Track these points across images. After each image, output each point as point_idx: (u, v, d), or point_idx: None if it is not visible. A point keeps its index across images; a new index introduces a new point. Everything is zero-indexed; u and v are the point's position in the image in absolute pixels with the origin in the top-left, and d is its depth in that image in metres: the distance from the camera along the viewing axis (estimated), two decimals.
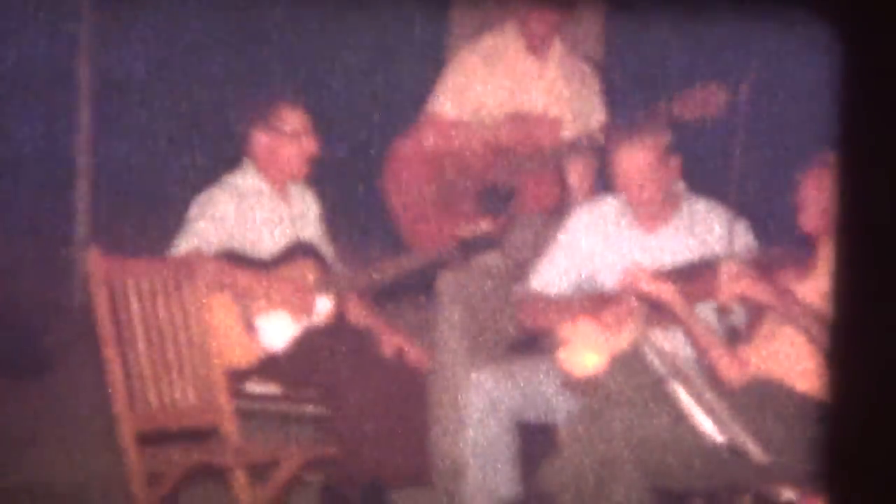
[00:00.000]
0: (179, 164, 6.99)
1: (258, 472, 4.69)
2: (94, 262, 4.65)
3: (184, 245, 4.88)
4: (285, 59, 7.99)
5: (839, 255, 2.37)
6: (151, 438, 4.61)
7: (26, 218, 7.46)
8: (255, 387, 4.97)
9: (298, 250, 5.02)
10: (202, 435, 4.78)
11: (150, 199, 7.30)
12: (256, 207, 5.01)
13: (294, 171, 5.07)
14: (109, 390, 4.57)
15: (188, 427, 4.75)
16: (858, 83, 2.34)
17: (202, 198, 5.02)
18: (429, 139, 5.39)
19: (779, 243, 4.57)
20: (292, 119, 5.03)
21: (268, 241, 5.00)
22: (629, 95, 5.87)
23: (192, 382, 4.72)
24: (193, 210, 4.99)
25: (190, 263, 4.81)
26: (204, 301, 4.76)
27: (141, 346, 4.64)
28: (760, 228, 4.70)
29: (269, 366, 4.93)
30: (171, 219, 5.13)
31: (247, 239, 4.97)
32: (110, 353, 4.57)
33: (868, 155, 2.35)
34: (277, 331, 4.93)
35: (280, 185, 5.07)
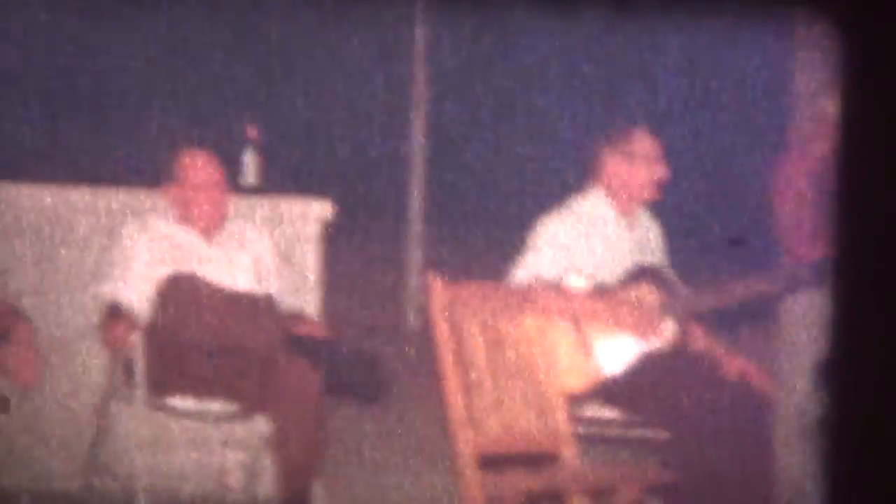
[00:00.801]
0: (514, 186, 7.00)
1: (597, 497, 4.63)
2: (435, 290, 4.67)
3: (525, 270, 4.88)
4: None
5: (838, 257, 2.37)
6: (488, 463, 4.61)
7: (360, 241, 7.61)
8: (593, 411, 4.92)
9: (642, 274, 4.95)
10: (540, 460, 4.76)
11: (483, 222, 7.35)
12: (601, 233, 4.98)
13: (643, 196, 5.02)
14: (448, 414, 4.58)
15: (526, 452, 4.73)
16: (858, 83, 2.32)
17: (545, 222, 5.00)
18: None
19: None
20: (643, 143, 4.98)
21: (611, 265, 4.95)
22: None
23: (531, 407, 4.70)
24: (536, 234, 4.97)
25: (531, 289, 4.79)
26: (543, 326, 4.73)
27: (480, 371, 4.63)
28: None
29: (608, 390, 4.87)
30: (506, 241, 5.13)
31: (589, 263, 4.92)
32: (450, 378, 4.58)
33: (868, 154, 2.32)
34: (616, 355, 4.87)
35: (628, 210, 5.03)
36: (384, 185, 7.94)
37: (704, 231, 5.91)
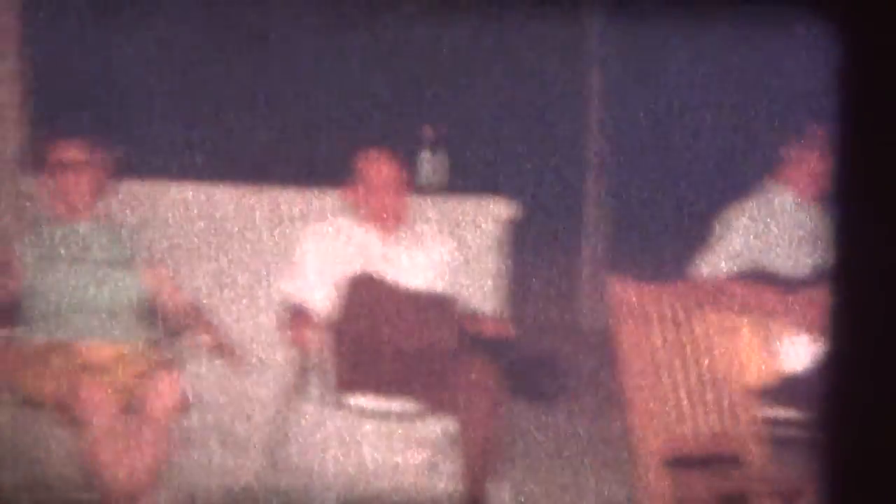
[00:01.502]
0: (693, 184, 6.94)
1: (783, 500, 4.56)
2: (617, 290, 4.64)
3: (707, 265, 4.83)
4: None
5: (838, 256, 2.36)
6: (673, 464, 4.56)
7: (537, 241, 7.60)
8: (779, 412, 4.85)
9: (822, 272, 4.88)
10: (723, 461, 4.70)
11: (661, 222, 7.29)
12: (785, 226, 4.91)
13: (821, 188, 4.96)
14: (631, 415, 4.54)
15: (711, 453, 4.67)
16: (858, 82, 2.31)
17: (728, 216, 4.95)
18: None
19: None
20: (820, 137, 4.92)
21: (795, 260, 4.88)
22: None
23: (716, 408, 4.64)
24: (721, 228, 4.92)
25: (714, 286, 4.74)
26: (728, 324, 4.68)
27: (664, 371, 4.59)
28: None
29: (794, 390, 4.79)
30: (684, 240, 5.09)
31: (774, 258, 4.87)
32: (633, 379, 4.55)
33: (868, 152, 2.31)
34: (800, 353, 4.80)
35: (811, 203, 4.96)
36: (562, 185, 7.94)
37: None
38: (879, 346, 2.35)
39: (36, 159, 5.13)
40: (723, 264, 4.82)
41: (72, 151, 5.03)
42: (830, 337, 2.44)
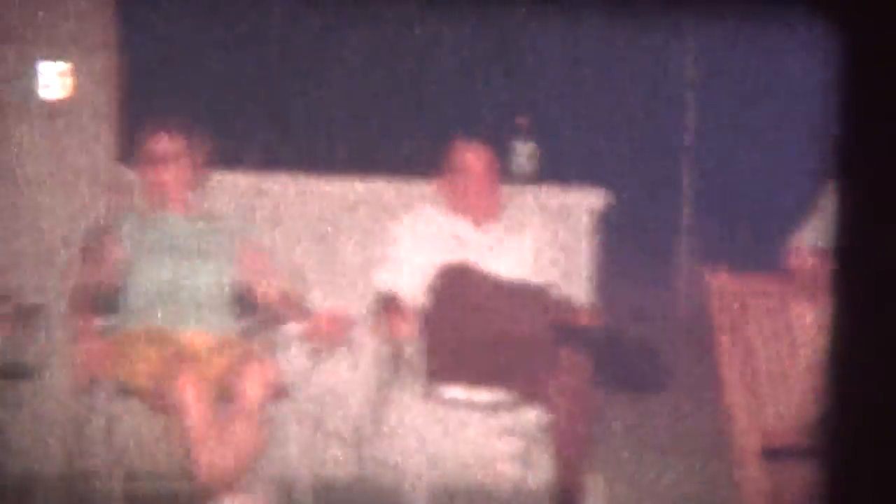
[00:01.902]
0: (787, 169, 6.86)
1: None
2: (715, 281, 4.60)
3: (804, 239, 4.76)
4: None
5: (839, 257, 2.36)
6: (771, 454, 4.52)
7: (632, 231, 7.56)
8: None
9: None
10: (816, 453, 4.63)
11: (755, 212, 7.22)
12: None
13: None
14: (728, 406, 4.50)
15: (805, 444, 4.61)
16: (858, 82, 2.30)
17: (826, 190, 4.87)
18: None
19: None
20: None
21: None
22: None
23: (813, 398, 4.58)
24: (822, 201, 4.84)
25: (810, 274, 4.68)
26: (825, 314, 4.60)
27: (762, 361, 4.54)
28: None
29: None
30: (778, 232, 5.03)
31: None
32: (731, 370, 4.51)
33: (868, 154, 2.31)
34: None
35: None
36: (656, 174, 7.89)
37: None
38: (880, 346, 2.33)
39: (132, 151, 5.18)
40: (818, 239, 4.74)
41: (167, 143, 5.06)
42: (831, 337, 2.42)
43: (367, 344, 5.21)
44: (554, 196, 5.68)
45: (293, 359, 5.04)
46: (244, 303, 5.09)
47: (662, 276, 7.49)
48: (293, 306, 5.03)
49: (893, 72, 2.27)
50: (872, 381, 2.33)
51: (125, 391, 4.79)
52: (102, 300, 4.93)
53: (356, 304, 5.31)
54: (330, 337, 4.91)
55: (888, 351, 2.31)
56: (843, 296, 2.38)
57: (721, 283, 4.61)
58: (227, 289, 5.04)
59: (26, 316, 5.00)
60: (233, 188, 5.48)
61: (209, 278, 5.01)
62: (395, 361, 5.02)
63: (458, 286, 5.07)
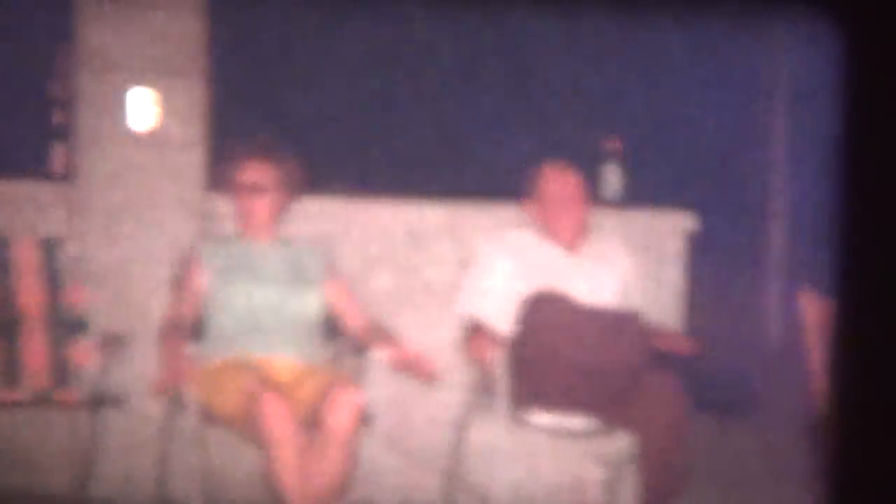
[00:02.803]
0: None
1: None
2: (811, 306, 4.55)
3: None
4: None
5: (840, 257, 2.39)
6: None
7: (722, 255, 7.50)
8: None
9: None
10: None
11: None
12: None
13: None
14: (824, 433, 4.44)
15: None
16: (861, 81, 2.29)
17: None
18: None
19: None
20: None
21: None
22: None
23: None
24: None
25: None
26: None
27: None
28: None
29: None
30: None
31: None
32: (823, 395, 4.44)
33: (870, 152, 2.33)
34: None
35: None
36: (748, 198, 7.82)
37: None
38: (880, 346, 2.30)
39: (220, 179, 5.20)
40: None
41: (257, 172, 5.09)
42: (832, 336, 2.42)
43: (454, 369, 5.19)
44: (643, 219, 5.64)
45: (379, 385, 5.04)
46: (330, 329, 5.10)
47: (754, 299, 7.42)
48: (378, 333, 5.03)
49: (894, 72, 2.26)
50: (873, 380, 2.31)
51: (213, 419, 4.82)
52: (191, 329, 4.96)
53: (442, 330, 5.30)
54: (416, 370, 4.90)
55: (888, 351, 2.29)
56: (844, 295, 2.36)
57: (811, 307, 4.55)
58: (313, 316, 5.05)
59: (114, 345, 5.04)
60: (319, 214, 5.50)
61: (296, 306, 5.02)
62: (481, 386, 5.00)
63: (546, 312, 5.04)
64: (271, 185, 5.09)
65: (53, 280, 5.17)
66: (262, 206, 5.09)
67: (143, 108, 5.35)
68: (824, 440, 2.44)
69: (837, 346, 2.44)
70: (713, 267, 7.15)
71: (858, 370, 2.38)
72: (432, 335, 5.32)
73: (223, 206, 5.26)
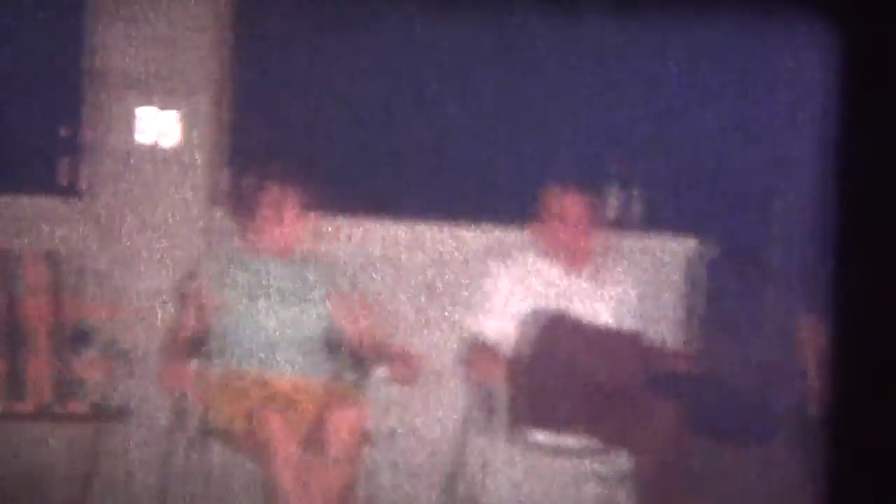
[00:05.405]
0: None
1: None
2: (808, 331, 4.55)
3: None
4: None
5: (839, 256, 2.37)
6: None
7: (722, 277, 7.48)
8: None
9: None
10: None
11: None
12: None
13: None
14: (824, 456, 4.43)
15: None
16: (859, 82, 2.28)
17: None
18: None
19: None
20: None
21: None
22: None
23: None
24: None
25: None
26: None
27: None
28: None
29: None
30: None
31: None
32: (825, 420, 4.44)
33: (868, 153, 2.31)
34: None
35: None
36: (751, 222, 7.79)
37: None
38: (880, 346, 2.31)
39: (233, 196, 5.21)
40: None
41: (271, 191, 5.06)
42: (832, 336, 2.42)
43: (456, 388, 5.20)
44: (649, 242, 5.64)
45: (381, 401, 5.05)
46: (336, 347, 5.11)
47: (759, 324, 7.38)
48: (384, 351, 5.04)
49: (894, 72, 2.27)
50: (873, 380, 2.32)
51: (217, 433, 4.83)
52: (197, 344, 4.97)
53: (447, 349, 5.31)
54: (403, 374, 4.92)
55: (888, 350, 2.30)
56: (843, 295, 2.36)
57: (814, 333, 4.56)
58: (320, 333, 5.06)
59: (120, 358, 5.06)
60: (326, 232, 5.50)
61: (303, 323, 5.03)
62: (482, 405, 5.00)
63: (550, 332, 5.05)
64: (283, 203, 5.08)
65: (59, 294, 5.19)
66: (275, 224, 5.06)
67: (152, 123, 5.38)
68: (823, 451, 2.44)
69: (835, 361, 2.45)
70: (717, 290, 7.14)
71: (858, 383, 2.39)
72: (437, 353, 5.33)
73: (229, 221, 5.28)
